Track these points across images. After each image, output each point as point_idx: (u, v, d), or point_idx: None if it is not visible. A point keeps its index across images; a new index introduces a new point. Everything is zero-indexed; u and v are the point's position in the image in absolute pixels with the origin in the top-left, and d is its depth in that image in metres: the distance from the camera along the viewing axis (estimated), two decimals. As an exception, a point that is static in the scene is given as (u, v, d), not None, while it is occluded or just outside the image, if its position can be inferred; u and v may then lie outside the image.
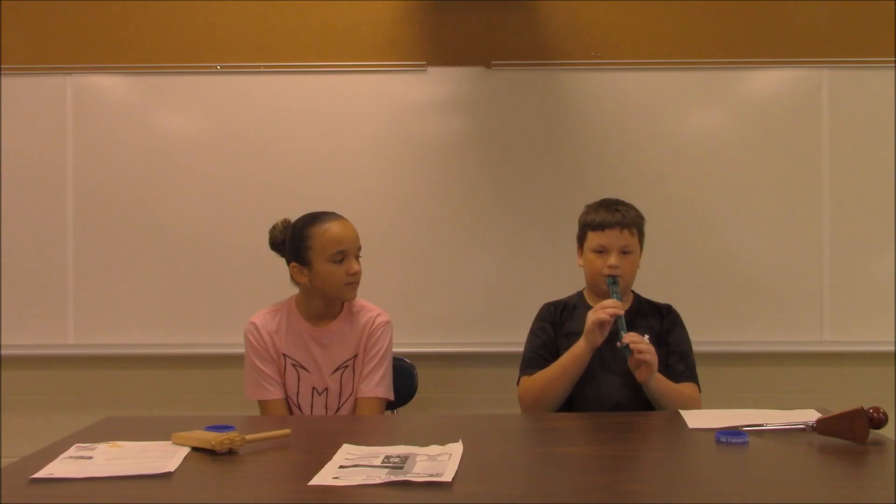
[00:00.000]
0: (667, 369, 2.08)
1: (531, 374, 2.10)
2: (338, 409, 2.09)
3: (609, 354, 2.07)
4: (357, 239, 2.09)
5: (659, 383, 1.99)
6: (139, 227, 2.99)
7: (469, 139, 3.00)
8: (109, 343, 2.97)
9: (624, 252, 2.10)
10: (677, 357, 2.13)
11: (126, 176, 2.99)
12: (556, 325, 2.18)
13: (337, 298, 2.09)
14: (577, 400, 2.08)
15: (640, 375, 1.96)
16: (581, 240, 2.18)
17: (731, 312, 2.97)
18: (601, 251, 2.11)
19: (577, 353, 2.02)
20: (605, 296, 2.10)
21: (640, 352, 1.93)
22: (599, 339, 1.99)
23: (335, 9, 3.02)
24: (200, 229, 2.99)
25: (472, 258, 3.00)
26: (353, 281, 2.07)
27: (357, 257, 2.09)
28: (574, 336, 2.07)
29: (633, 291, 2.22)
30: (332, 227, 2.06)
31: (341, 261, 2.04)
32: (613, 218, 2.10)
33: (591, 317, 1.99)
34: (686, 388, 2.07)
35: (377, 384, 2.08)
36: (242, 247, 2.95)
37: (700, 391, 2.10)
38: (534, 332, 2.20)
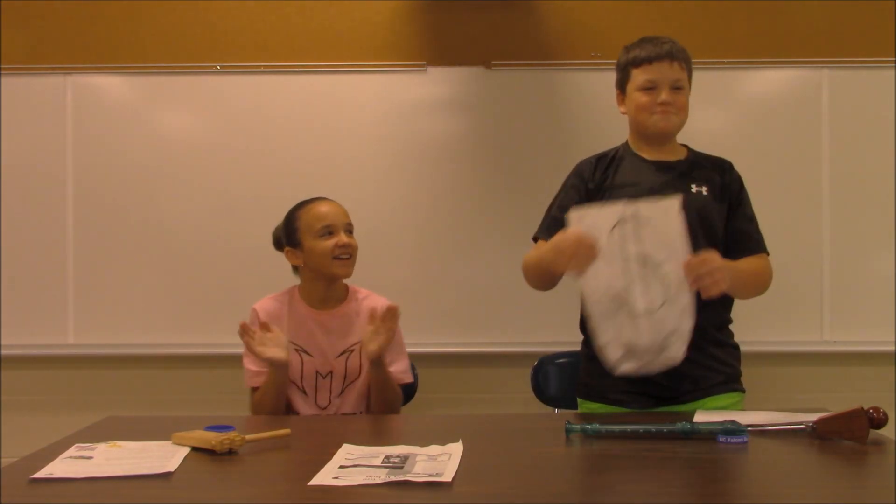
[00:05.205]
0: (742, 235, 1.92)
1: (543, 239, 1.90)
2: (342, 392, 2.11)
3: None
4: (344, 215, 2.14)
5: (737, 279, 1.75)
6: (139, 228, 2.99)
7: (469, 139, 3.00)
8: (109, 343, 2.97)
9: (675, 88, 1.88)
10: (749, 221, 1.94)
11: (126, 176, 2.99)
12: (596, 181, 1.94)
13: (330, 275, 2.10)
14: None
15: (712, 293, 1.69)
16: (623, 83, 1.94)
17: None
18: (650, 88, 1.87)
19: (546, 256, 1.75)
20: (652, 139, 1.91)
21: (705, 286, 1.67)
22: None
23: (335, 9, 3.02)
24: (200, 229, 2.99)
25: (472, 258, 3.00)
26: (343, 255, 2.09)
27: (348, 233, 2.12)
28: (620, 188, 1.88)
29: (685, 146, 2.01)
30: (317, 206, 2.13)
31: (329, 235, 2.08)
32: (662, 49, 1.87)
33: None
34: (759, 262, 1.90)
35: (403, 371, 2.15)
36: (242, 246, 2.95)
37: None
38: (564, 190, 1.98)
